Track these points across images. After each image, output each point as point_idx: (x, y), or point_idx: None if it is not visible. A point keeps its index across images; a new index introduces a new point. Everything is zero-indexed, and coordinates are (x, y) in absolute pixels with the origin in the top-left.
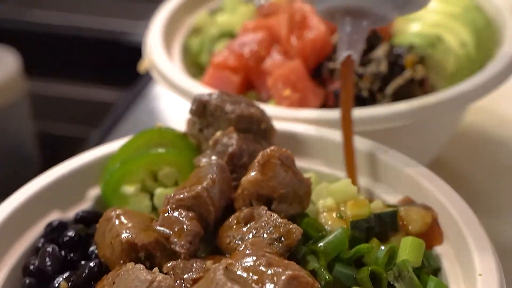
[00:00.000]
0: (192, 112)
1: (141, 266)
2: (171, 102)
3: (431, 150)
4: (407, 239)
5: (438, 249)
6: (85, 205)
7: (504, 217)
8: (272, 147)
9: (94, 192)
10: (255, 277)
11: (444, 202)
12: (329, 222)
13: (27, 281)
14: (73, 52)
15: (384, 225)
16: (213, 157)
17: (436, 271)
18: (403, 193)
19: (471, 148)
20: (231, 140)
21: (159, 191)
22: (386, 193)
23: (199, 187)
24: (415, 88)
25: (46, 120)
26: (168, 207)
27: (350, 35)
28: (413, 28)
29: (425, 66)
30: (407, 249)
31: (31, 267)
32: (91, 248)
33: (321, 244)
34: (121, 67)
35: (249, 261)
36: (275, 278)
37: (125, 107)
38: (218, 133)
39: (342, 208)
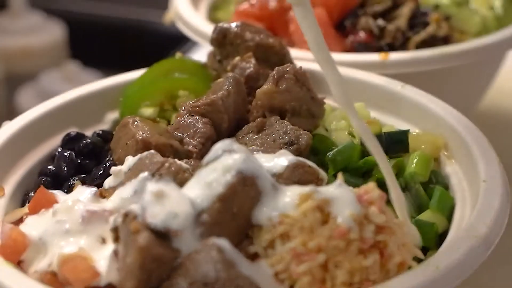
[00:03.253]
0: (212, 40)
1: (156, 152)
2: None
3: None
4: (415, 154)
5: (448, 169)
6: (103, 127)
7: None
8: (288, 64)
9: (112, 115)
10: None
11: (454, 125)
12: (340, 140)
13: (43, 179)
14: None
15: (395, 144)
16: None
17: (445, 188)
18: (416, 123)
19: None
20: (248, 64)
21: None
22: (398, 123)
23: (215, 96)
24: (439, 45)
25: None
26: (184, 112)
27: None
28: None
29: (450, 25)
30: (415, 163)
31: (47, 170)
32: (106, 159)
33: (331, 153)
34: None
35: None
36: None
37: None
38: (237, 59)
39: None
